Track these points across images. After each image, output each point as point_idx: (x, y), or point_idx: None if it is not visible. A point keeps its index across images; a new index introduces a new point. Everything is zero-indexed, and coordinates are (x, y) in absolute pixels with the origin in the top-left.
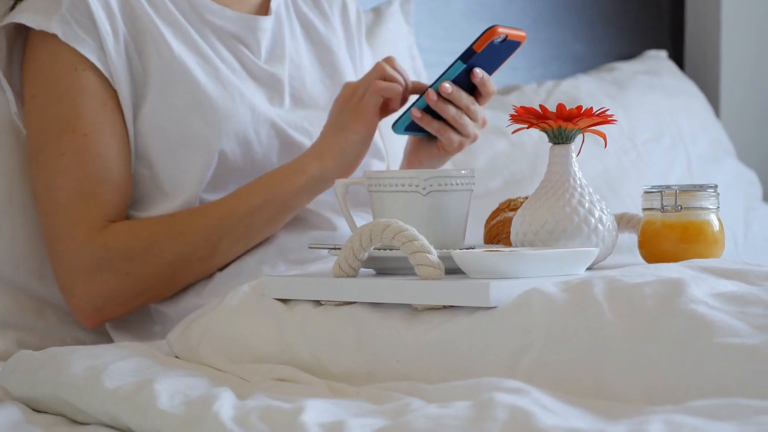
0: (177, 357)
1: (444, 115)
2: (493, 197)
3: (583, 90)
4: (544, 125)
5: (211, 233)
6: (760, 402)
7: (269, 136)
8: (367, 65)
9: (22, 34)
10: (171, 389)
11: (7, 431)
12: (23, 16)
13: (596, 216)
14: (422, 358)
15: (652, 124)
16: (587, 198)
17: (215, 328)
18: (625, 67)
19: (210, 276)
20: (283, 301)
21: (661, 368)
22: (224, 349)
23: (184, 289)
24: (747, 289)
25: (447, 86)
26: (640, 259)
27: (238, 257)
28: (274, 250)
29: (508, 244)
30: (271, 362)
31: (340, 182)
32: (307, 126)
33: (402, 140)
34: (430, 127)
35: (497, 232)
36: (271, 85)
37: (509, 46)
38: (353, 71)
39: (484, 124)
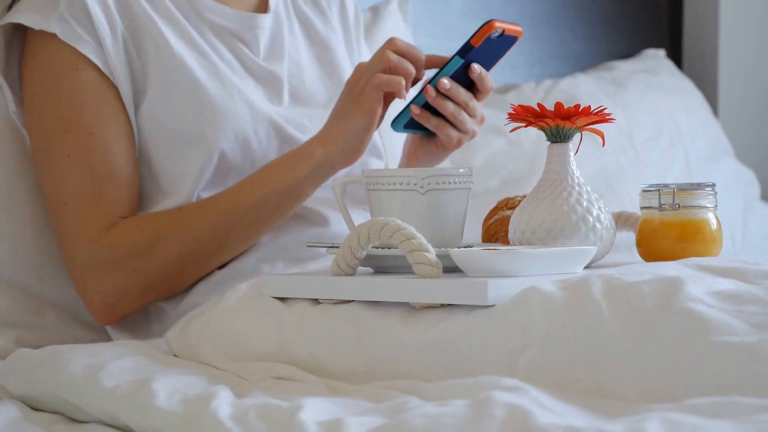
0: (175, 356)
1: (443, 112)
2: (491, 196)
3: (582, 89)
4: (541, 124)
5: (218, 226)
6: (759, 400)
7: (268, 134)
8: None
9: (20, 33)
10: (169, 388)
11: (5, 430)
12: (21, 16)
13: (594, 215)
14: (421, 357)
15: (650, 123)
16: (585, 197)
17: (214, 327)
18: (623, 66)
19: (209, 275)
20: (282, 299)
21: (660, 367)
22: (223, 347)
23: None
24: (745, 287)
25: (445, 82)
26: (638, 258)
27: (237, 256)
28: (273, 248)
29: (506, 242)
30: (269, 361)
31: (338, 181)
32: (306, 124)
33: (400, 139)
34: (429, 123)
35: (495, 231)
36: (270, 83)
37: (506, 41)
38: (352, 69)
39: (482, 120)
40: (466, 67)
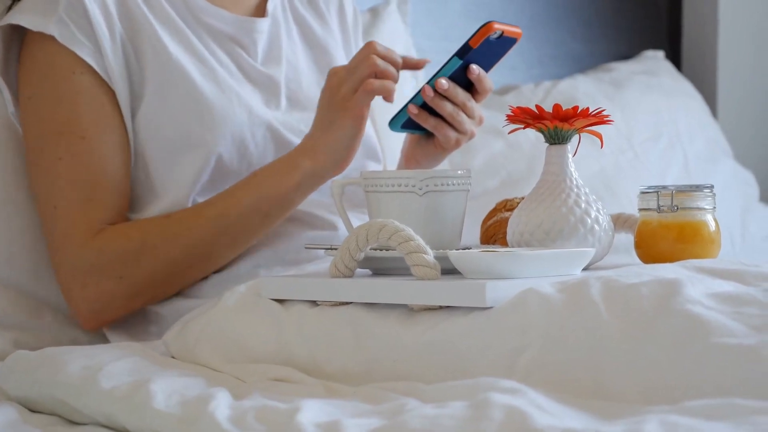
0: (173, 357)
1: (441, 112)
2: (489, 197)
3: (581, 90)
4: (540, 125)
5: (205, 234)
6: (757, 402)
7: (265, 138)
8: None
9: (19, 34)
10: (167, 389)
11: (3, 431)
12: (20, 17)
13: (592, 216)
14: (419, 359)
15: (649, 124)
16: (583, 198)
17: (212, 328)
18: (622, 68)
19: (206, 277)
20: (280, 301)
21: (659, 368)
22: (221, 349)
23: (180, 290)
24: (743, 289)
25: (443, 82)
26: (637, 260)
27: (234, 260)
28: (271, 252)
29: (505, 244)
30: (268, 362)
31: (336, 183)
32: (304, 128)
33: (398, 140)
34: (427, 123)
35: (494, 233)
36: (267, 87)
37: (505, 43)
38: None
39: (480, 121)
40: (464, 68)
